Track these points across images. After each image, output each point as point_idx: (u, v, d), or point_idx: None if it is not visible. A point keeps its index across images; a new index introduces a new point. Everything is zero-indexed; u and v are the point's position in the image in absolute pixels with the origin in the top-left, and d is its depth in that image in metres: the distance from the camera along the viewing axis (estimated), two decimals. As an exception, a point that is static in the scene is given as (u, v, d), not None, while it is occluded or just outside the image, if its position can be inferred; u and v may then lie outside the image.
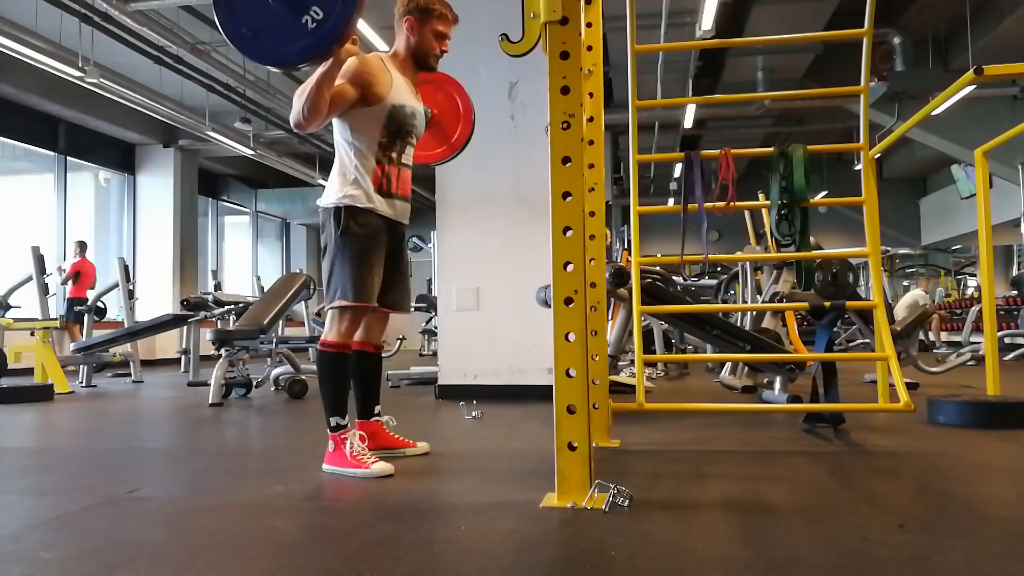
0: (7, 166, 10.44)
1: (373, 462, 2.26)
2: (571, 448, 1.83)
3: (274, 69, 2.23)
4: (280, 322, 5.48)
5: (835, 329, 4.80)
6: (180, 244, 11.65)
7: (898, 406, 2.80)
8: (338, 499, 2.03)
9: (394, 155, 2.45)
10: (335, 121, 2.43)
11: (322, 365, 2.39)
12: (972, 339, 9.09)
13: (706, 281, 8.32)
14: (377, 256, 2.41)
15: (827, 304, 3.21)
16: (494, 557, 1.46)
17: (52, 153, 10.16)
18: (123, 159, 11.55)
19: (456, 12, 2.50)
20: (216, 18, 2.06)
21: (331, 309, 2.37)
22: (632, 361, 4.18)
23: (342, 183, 2.40)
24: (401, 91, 2.44)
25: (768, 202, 3.26)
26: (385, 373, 2.63)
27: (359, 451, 2.29)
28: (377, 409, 2.58)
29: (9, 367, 6.16)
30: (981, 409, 3.16)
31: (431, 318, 9.54)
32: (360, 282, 2.34)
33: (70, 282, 8.50)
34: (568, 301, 1.85)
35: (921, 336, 8.36)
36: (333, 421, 2.33)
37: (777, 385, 4.08)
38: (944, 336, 11.93)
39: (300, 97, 2.23)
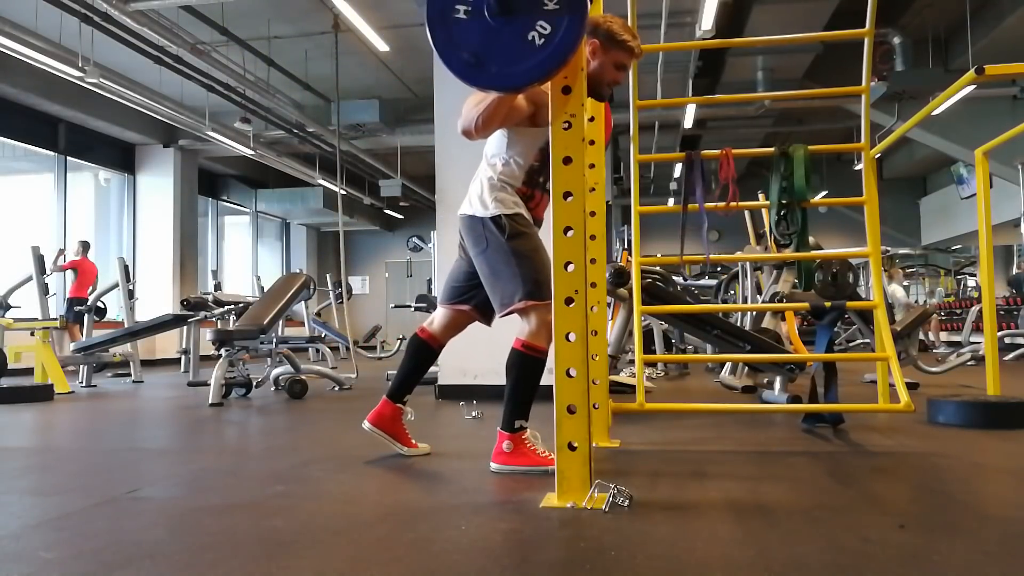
0: (7, 166, 10.44)
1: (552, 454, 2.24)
2: (571, 448, 1.83)
3: (500, 93, 2.05)
4: (280, 322, 5.48)
5: (835, 329, 4.80)
6: (180, 244, 11.65)
7: (898, 406, 2.80)
8: (338, 499, 2.03)
9: (542, 180, 2.38)
10: (495, 133, 2.36)
11: (524, 367, 2.29)
12: (972, 339, 9.09)
13: (706, 281, 8.33)
14: (546, 251, 2.31)
15: (827, 304, 3.22)
16: (494, 557, 1.46)
17: (52, 153, 10.16)
18: (123, 159, 11.56)
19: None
20: (434, 47, 1.90)
21: (532, 311, 2.26)
22: (632, 361, 4.19)
23: (491, 190, 2.34)
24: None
25: (768, 202, 3.26)
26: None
27: (539, 446, 2.30)
28: (406, 399, 2.58)
29: (9, 367, 6.16)
30: (981, 409, 3.16)
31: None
32: (547, 280, 2.24)
33: (66, 276, 8.50)
34: (568, 301, 1.85)
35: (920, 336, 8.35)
36: (517, 424, 2.29)
37: (777, 385, 4.08)
38: (944, 336, 11.93)
39: (477, 107, 2.15)
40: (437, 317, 2.60)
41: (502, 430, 2.31)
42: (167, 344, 10.16)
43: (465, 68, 1.88)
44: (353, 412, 3.92)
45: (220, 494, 2.08)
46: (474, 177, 2.45)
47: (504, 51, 1.85)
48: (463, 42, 1.88)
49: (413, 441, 2.61)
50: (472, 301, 2.52)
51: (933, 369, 5.65)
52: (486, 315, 2.53)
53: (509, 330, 2.30)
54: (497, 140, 2.38)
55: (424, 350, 2.58)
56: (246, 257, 15.13)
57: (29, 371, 6.17)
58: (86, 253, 8.64)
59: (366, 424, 2.55)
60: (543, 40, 1.82)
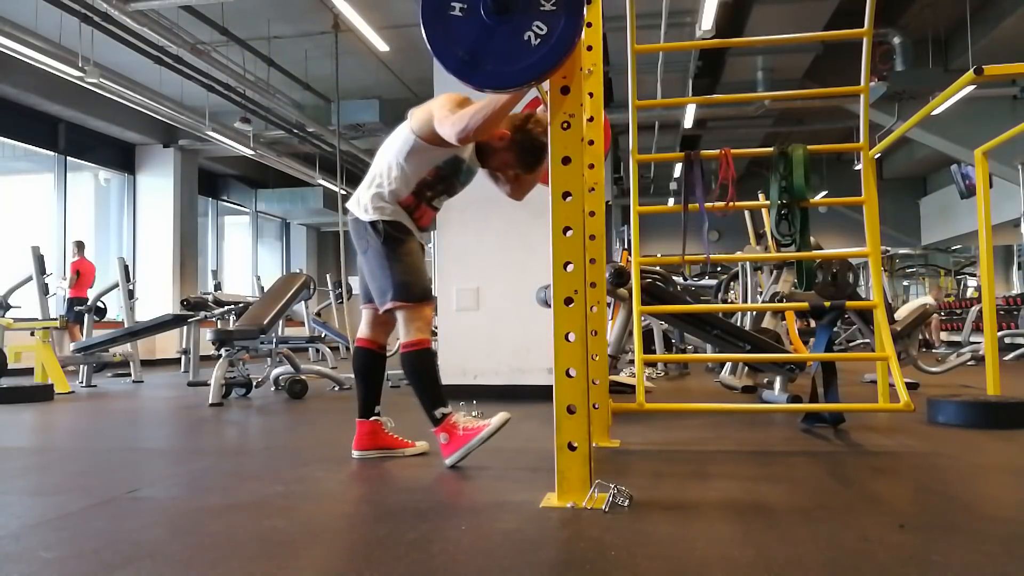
0: (7, 166, 10.43)
1: (486, 419, 2.32)
2: (571, 448, 1.83)
3: (495, 94, 2.05)
4: (280, 322, 5.48)
5: (835, 329, 4.80)
6: (180, 244, 11.65)
7: (898, 406, 2.80)
8: (338, 499, 2.03)
9: (429, 195, 2.48)
10: (400, 138, 2.42)
11: (412, 365, 2.41)
12: (972, 339, 9.09)
13: (706, 281, 8.33)
14: (420, 256, 2.48)
15: (827, 304, 3.22)
16: (494, 557, 1.46)
17: (52, 153, 10.15)
18: (123, 159, 11.55)
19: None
20: (428, 44, 1.89)
21: (401, 312, 2.40)
22: (632, 361, 4.19)
23: (374, 198, 2.42)
24: (471, 149, 2.47)
25: (768, 202, 3.26)
26: (386, 373, 2.64)
27: (468, 421, 2.35)
28: (377, 409, 2.58)
29: (9, 367, 6.16)
30: (981, 409, 3.16)
31: (431, 318, 9.54)
32: (416, 282, 2.41)
33: (69, 279, 8.51)
34: (568, 301, 1.85)
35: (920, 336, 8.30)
36: (439, 413, 2.35)
37: (777, 385, 4.08)
38: (944, 336, 11.92)
39: (478, 113, 2.13)
40: (363, 320, 2.63)
41: (434, 428, 2.38)
42: (167, 344, 10.15)
43: (460, 66, 1.88)
44: (353, 412, 3.91)
45: (220, 494, 2.08)
46: (365, 178, 2.50)
47: (500, 50, 1.86)
48: (458, 40, 1.88)
49: (407, 441, 2.61)
50: None
51: (933, 369, 5.65)
52: None
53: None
54: (397, 147, 2.42)
55: (369, 358, 2.60)
56: (246, 257, 15.13)
57: (29, 371, 6.16)
58: (82, 252, 8.64)
59: (355, 453, 2.57)
60: (539, 40, 1.82)
